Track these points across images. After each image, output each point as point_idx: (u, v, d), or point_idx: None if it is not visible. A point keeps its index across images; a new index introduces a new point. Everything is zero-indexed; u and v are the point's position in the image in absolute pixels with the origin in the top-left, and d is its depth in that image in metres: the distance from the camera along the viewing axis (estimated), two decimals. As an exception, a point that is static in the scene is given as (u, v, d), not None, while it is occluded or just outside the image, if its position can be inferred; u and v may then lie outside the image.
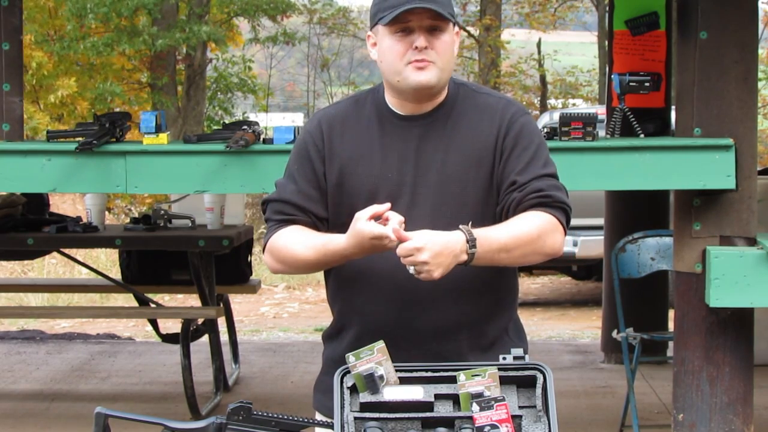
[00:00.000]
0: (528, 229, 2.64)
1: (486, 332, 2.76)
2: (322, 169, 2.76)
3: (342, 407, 2.48)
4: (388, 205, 2.59)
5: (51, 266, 12.61)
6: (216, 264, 6.40)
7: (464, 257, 2.56)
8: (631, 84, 5.49)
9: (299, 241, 2.72)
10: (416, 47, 2.67)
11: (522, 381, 2.52)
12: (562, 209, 2.71)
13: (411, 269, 2.53)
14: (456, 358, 2.68)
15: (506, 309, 2.82)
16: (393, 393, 2.48)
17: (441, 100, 2.77)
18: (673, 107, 5.34)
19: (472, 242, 2.56)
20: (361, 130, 2.77)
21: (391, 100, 2.78)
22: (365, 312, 2.74)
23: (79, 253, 9.12)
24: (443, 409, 2.49)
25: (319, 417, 2.79)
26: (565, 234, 2.73)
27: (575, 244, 10.07)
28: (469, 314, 2.72)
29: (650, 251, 5.65)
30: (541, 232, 2.65)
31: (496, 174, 2.72)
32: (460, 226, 2.59)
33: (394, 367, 2.51)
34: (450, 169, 2.71)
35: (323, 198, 2.77)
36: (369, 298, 2.73)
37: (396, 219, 2.56)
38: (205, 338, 6.58)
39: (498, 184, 2.72)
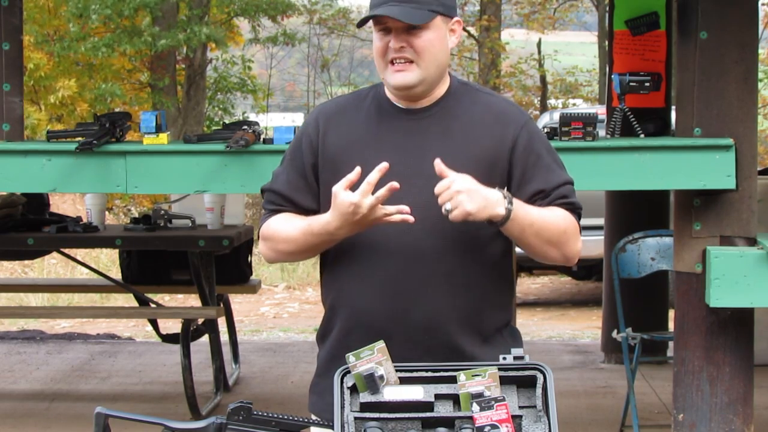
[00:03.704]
0: (557, 220, 2.70)
1: (479, 327, 2.73)
2: (312, 161, 2.78)
3: (342, 407, 2.48)
4: (358, 169, 2.60)
5: (51, 266, 12.62)
6: (216, 264, 6.39)
7: (502, 210, 2.58)
8: (631, 84, 5.49)
9: (287, 224, 2.77)
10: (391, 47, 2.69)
11: (522, 381, 2.52)
12: (580, 217, 2.76)
13: (446, 207, 2.55)
14: (448, 352, 2.68)
15: (500, 310, 2.79)
16: (393, 393, 2.48)
17: (442, 93, 2.77)
18: (673, 107, 5.34)
19: (509, 198, 2.60)
20: (358, 121, 2.78)
21: (390, 93, 2.78)
22: (356, 303, 2.73)
23: (79, 253, 9.11)
24: (443, 409, 2.49)
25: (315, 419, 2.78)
26: None
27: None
28: (460, 307, 2.71)
29: (650, 251, 5.65)
30: (567, 229, 2.71)
31: (504, 180, 2.71)
32: (496, 187, 2.62)
33: (394, 367, 2.51)
34: (446, 162, 2.67)
35: (311, 190, 2.79)
36: (360, 289, 2.72)
37: (381, 166, 2.59)
38: (205, 338, 6.58)
39: (514, 192, 2.70)
